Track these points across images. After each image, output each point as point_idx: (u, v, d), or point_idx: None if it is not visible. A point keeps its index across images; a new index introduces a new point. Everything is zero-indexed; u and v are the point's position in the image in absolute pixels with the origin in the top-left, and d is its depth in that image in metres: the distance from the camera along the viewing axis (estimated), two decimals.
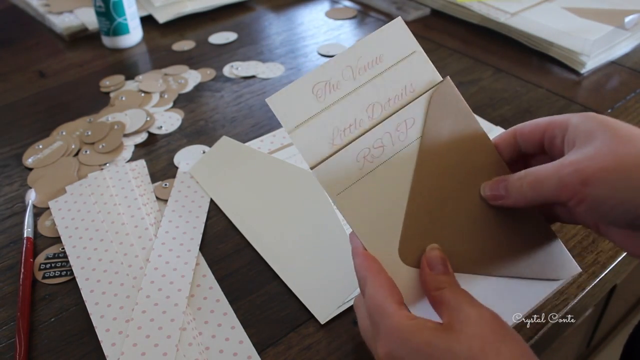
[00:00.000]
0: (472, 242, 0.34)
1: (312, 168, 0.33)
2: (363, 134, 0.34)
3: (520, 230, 0.34)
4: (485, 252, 0.34)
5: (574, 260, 0.35)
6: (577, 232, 0.45)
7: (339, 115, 0.34)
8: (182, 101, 0.63)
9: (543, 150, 0.34)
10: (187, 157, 0.54)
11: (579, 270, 0.35)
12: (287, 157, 0.52)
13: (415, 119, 0.35)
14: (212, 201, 0.48)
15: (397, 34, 0.36)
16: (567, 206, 0.31)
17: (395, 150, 0.34)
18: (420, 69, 0.35)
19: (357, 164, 0.33)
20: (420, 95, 0.35)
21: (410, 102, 0.35)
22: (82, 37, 0.78)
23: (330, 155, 0.33)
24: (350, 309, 0.39)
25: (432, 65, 0.36)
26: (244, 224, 0.46)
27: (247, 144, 0.55)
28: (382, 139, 0.34)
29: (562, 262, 0.35)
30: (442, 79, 0.35)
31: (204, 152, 0.54)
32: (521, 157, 0.36)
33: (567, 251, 0.35)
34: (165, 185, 0.50)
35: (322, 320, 0.38)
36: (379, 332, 0.30)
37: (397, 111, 0.35)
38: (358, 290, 0.36)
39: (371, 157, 0.34)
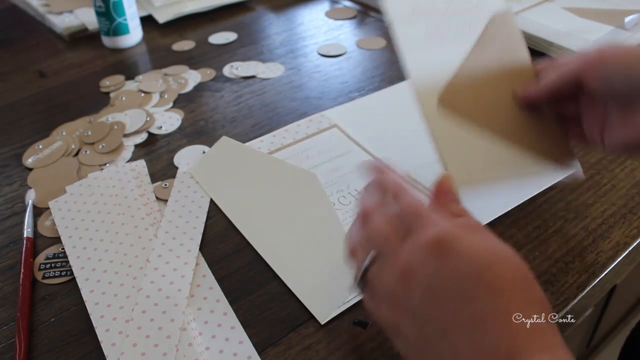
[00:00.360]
0: (503, 112, 0.43)
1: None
2: (444, 14, 0.44)
3: (537, 130, 0.44)
4: (511, 120, 0.43)
5: (578, 162, 0.45)
6: (577, 232, 0.45)
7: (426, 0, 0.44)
8: (182, 101, 0.63)
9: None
10: (187, 157, 0.54)
11: (582, 175, 0.46)
12: (287, 157, 0.52)
13: (479, 23, 0.45)
14: (212, 201, 0.48)
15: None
16: (584, 84, 0.39)
17: (462, 34, 0.44)
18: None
19: (429, 31, 0.43)
20: (487, 12, 0.45)
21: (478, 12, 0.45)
22: (82, 37, 0.78)
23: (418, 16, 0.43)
24: (350, 308, 0.39)
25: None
26: (244, 224, 0.46)
27: (247, 144, 0.55)
28: (458, 23, 0.44)
29: (569, 162, 0.44)
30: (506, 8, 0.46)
31: (204, 152, 0.54)
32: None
33: (574, 154, 0.44)
34: (165, 185, 0.50)
35: (322, 321, 0.38)
36: (421, 226, 0.30)
37: (467, 15, 0.45)
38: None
39: (443, 30, 0.44)
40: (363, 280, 0.32)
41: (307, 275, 0.41)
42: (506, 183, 0.42)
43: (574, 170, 0.44)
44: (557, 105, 0.43)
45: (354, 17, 0.81)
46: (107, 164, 0.53)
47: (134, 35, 0.74)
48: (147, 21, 0.79)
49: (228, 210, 0.48)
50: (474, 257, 0.28)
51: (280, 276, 0.42)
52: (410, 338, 0.29)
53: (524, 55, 0.46)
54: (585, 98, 0.41)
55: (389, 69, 0.68)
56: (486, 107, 0.43)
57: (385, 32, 0.77)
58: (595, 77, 0.38)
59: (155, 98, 0.63)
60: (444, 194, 0.34)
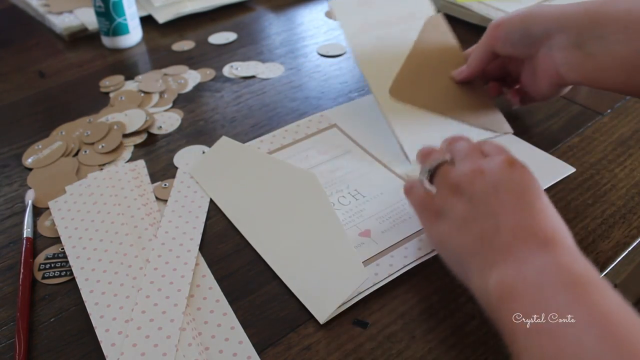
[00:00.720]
0: (443, 93, 0.55)
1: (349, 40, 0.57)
2: (387, 25, 0.58)
3: (473, 98, 0.56)
4: (450, 99, 0.55)
5: (507, 123, 0.55)
6: (577, 232, 0.45)
7: (372, 15, 0.59)
8: (181, 101, 0.63)
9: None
10: (186, 157, 0.54)
11: (511, 130, 0.55)
12: (287, 158, 0.52)
13: (415, 28, 0.59)
14: (211, 201, 0.48)
15: None
16: (496, 53, 0.51)
17: (403, 38, 0.58)
18: (423, 5, 0.61)
19: (376, 40, 0.57)
20: (420, 19, 0.60)
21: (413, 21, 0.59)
22: (81, 37, 0.78)
23: (360, 32, 0.58)
24: (350, 308, 0.39)
25: (432, 6, 0.61)
26: (243, 224, 0.46)
27: (247, 144, 0.55)
28: (398, 31, 0.58)
29: (499, 123, 0.55)
30: (436, 14, 0.60)
31: (203, 152, 0.54)
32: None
33: (504, 117, 0.55)
34: (165, 185, 0.50)
35: (322, 321, 0.38)
36: (500, 153, 0.39)
37: (402, 23, 0.59)
38: (357, 290, 0.39)
39: (387, 37, 0.58)
40: (431, 173, 0.41)
41: (307, 275, 0.41)
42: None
43: (505, 129, 0.55)
44: (490, 75, 0.56)
45: None
46: (107, 164, 0.53)
47: (134, 35, 0.74)
48: (147, 21, 0.79)
49: (228, 210, 0.47)
50: (535, 179, 0.36)
51: (280, 276, 0.42)
52: (460, 215, 0.37)
53: (455, 47, 0.58)
54: (507, 62, 0.55)
55: None
56: (429, 91, 0.55)
57: None
58: (499, 44, 0.50)
59: (155, 98, 0.63)
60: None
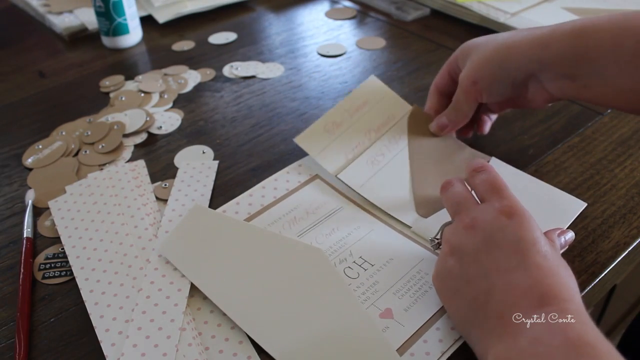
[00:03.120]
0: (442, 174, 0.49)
1: (336, 175, 0.49)
2: (367, 148, 0.51)
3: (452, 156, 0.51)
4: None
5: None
6: (577, 232, 0.45)
7: (346, 140, 0.51)
8: (181, 101, 0.63)
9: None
10: (187, 157, 0.54)
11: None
12: (274, 221, 0.46)
13: (401, 134, 0.53)
14: (211, 202, 0.48)
15: (373, 85, 0.55)
16: (480, 101, 0.48)
17: (393, 154, 0.51)
18: (395, 103, 0.55)
19: (369, 166, 0.49)
20: (400, 119, 0.54)
21: (394, 125, 0.53)
22: (82, 37, 0.78)
23: (347, 165, 0.49)
24: None
25: (402, 99, 0.55)
26: (242, 317, 0.38)
27: (223, 207, 0.47)
28: (382, 150, 0.51)
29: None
30: (411, 107, 0.55)
31: (203, 152, 0.54)
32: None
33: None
34: (165, 185, 0.50)
35: None
36: (499, 197, 0.37)
37: (387, 131, 0.53)
38: None
39: (377, 161, 0.50)
40: (439, 239, 0.40)
41: (299, 350, 0.36)
42: None
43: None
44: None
45: (353, 17, 0.81)
46: (107, 164, 0.53)
47: (134, 35, 0.74)
48: (147, 21, 0.79)
49: (210, 292, 0.39)
50: (533, 229, 0.34)
51: (271, 353, 0.36)
52: (453, 278, 0.35)
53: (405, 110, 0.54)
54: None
55: (389, 69, 0.68)
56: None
57: (385, 32, 0.77)
58: (483, 97, 0.47)
59: (155, 98, 0.63)
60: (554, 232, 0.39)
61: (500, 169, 0.49)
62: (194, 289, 0.40)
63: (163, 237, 0.44)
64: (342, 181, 0.48)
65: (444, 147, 0.52)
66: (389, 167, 0.49)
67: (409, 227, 0.45)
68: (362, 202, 0.47)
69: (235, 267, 0.41)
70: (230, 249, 0.42)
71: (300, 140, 0.50)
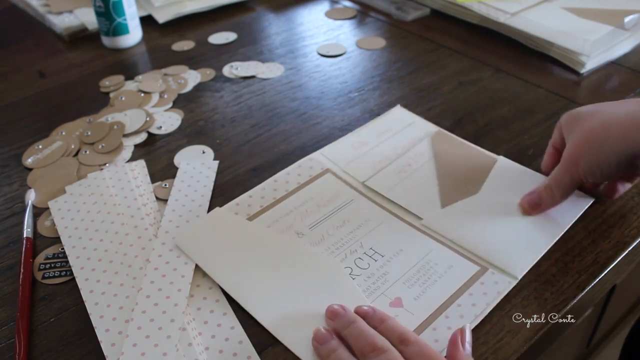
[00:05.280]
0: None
1: (364, 182, 0.49)
2: (394, 161, 0.52)
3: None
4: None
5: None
6: (576, 232, 0.45)
7: (373, 156, 0.53)
8: (181, 101, 0.63)
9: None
10: (187, 157, 0.54)
11: None
12: (285, 214, 0.46)
13: (427, 149, 0.53)
14: (211, 202, 0.48)
15: (399, 114, 0.58)
16: (583, 182, 0.44)
17: (420, 164, 0.51)
18: (421, 127, 0.56)
19: (396, 174, 0.50)
20: (424, 137, 0.54)
21: (419, 143, 0.54)
22: (81, 37, 0.77)
23: (375, 174, 0.50)
24: None
25: (429, 123, 0.57)
26: (242, 297, 0.40)
27: (237, 199, 0.48)
28: (409, 161, 0.52)
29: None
30: (436, 129, 0.56)
31: (203, 152, 0.54)
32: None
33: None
34: (165, 185, 0.50)
35: None
36: None
37: (412, 148, 0.53)
38: None
39: (404, 170, 0.51)
40: None
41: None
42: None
43: None
44: None
45: (353, 17, 0.81)
46: (107, 164, 0.53)
47: (134, 35, 0.74)
48: (147, 21, 0.79)
49: (226, 285, 0.41)
50: None
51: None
52: None
53: (476, 153, 0.53)
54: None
55: (389, 69, 0.68)
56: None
57: (385, 32, 0.77)
58: (588, 179, 0.43)
59: (155, 98, 0.63)
60: (457, 346, 0.35)
61: (508, 166, 0.51)
62: (194, 289, 0.40)
63: (183, 228, 0.45)
64: (370, 188, 0.49)
65: (469, 157, 0.52)
66: (416, 175, 0.50)
67: (420, 218, 0.46)
68: (373, 196, 0.48)
69: (249, 264, 0.42)
70: (246, 248, 0.44)
71: (326, 152, 0.53)
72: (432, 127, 0.56)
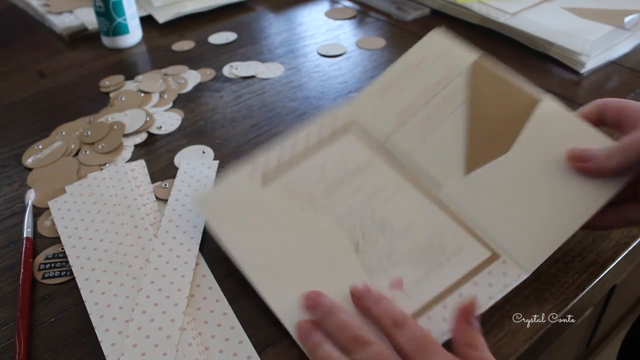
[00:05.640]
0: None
1: (384, 142, 0.46)
2: (419, 110, 0.46)
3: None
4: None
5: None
6: (576, 232, 0.45)
7: (402, 100, 0.47)
8: (181, 101, 0.63)
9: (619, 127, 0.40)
10: (187, 157, 0.54)
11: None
12: (304, 175, 0.45)
13: (460, 89, 0.46)
14: None
15: (434, 40, 0.50)
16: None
17: (446, 114, 0.45)
18: (457, 55, 0.48)
19: (420, 128, 0.46)
20: (459, 74, 0.47)
21: (452, 81, 0.47)
22: (81, 37, 0.78)
23: (397, 129, 0.46)
24: None
25: (467, 51, 0.48)
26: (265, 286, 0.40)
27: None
28: (436, 109, 0.46)
29: None
30: (475, 57, 0.47)
31: (203, 152, 0.54)
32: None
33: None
34: (165, 185, 0.50)
35: None
36: None
37: (443, 89, 0.47)
38: None
39: (429, 123, 0.46)
40: None
41: None
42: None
43: None
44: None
45: (353, 17, 0.81)
46: (107, 164, 0.53)
47: (134, 35, 0.74)
48: (147, 21, 0.79)
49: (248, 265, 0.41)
50: None
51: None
52: None
53: (515, 87, 0.46)
54: None
55: None
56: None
57: (385, 32, 0.77)
58: None
59: (155, 98, 0.63)
60: (464, 321, 0.34)
61: (552, 112, 0.43)
62: (194, 289, 0.40)
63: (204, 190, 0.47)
64: (390, 151, 0.46)
65: (507, 97, 0.45)
66: (441, 129, 0.45)
67: (440, 186, 0.43)
68: (393, 158, 0.46)
69: (265, 241, 0.42)
70: (261, 222, 0.43)
71: (359, 97, 0.49)
72: (469, 55, 0.47)
